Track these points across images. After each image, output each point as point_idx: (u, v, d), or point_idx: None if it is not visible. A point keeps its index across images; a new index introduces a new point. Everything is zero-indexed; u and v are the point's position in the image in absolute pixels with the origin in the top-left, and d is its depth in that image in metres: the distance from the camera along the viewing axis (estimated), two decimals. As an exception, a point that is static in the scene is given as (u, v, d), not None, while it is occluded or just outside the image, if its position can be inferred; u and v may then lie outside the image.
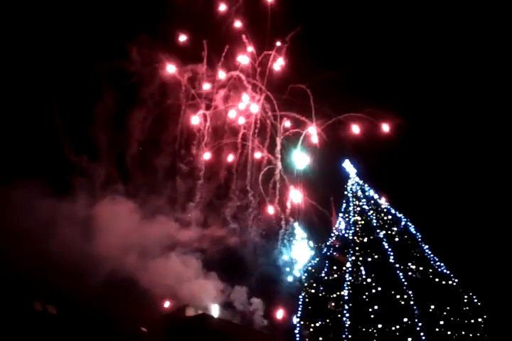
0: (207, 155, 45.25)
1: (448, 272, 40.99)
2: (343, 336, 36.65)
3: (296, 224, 48.51)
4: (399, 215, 45.41)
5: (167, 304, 34.17)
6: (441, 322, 36.89)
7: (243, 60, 46.63)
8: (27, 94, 35.83)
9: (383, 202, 47.10)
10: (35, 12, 36.98)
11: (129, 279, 33.90)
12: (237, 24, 46.37)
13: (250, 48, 46.95)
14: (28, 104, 35.71)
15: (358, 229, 44.38)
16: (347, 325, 36.83)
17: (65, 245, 31.84)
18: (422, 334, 35.42)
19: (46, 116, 36.46)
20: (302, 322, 40.12)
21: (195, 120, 45.12)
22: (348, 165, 50.55)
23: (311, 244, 47.37)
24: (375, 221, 44.21)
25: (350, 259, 41.30)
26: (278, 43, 47.15)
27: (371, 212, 45.42)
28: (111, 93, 40.21)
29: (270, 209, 48.68)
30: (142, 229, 36.34)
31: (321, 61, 47.17)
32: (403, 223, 44.65)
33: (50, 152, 35.74)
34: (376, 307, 37.15)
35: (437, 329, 36.46)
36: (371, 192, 47.96)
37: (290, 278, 45.97)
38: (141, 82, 43.31)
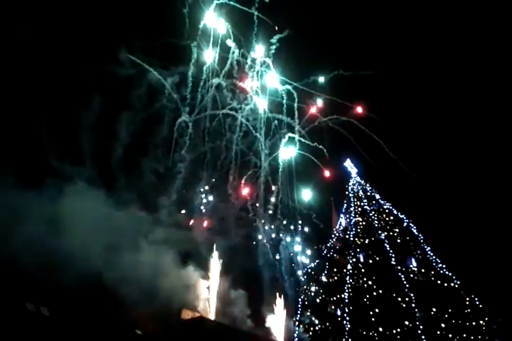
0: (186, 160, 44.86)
1: (450, 274, 40.55)
2: (344, 340, 36.26)
3: None
4: (401, 216, 45.02)
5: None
6: (443, 325, 36.59)
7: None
8: (12, 96, 35.64)
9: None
10: (24, 17, 36.90)
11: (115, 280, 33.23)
12: (225, 28, 46.02)
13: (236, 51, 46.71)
14: (14, 107, 35.50)
15: (359, 230, 44.07)
16: (347, 329, 36.46)
17: (48, 243, 31.14)
18: (423, 337, 35.21)
19: (31, 119, 36.20)
20: (301, 326, 39.81)
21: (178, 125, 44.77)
22: (349, 165, 50.08)
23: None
24: (376, 222, 43.93)
25: (350, 261, 41.01)
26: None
27: (373, 212, 45.11)
28: (98, 96, 40.06)
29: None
30: (121, 227, 35.70)
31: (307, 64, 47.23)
32: (405, 224, 44.25)
33: (30, 154, 35.38)
34: (377, 310, 36.84)
35: (439, 332, 36.18)
36: (373, 192, 47.80)
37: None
38: (129, 86, 42.90)
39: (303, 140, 46.20)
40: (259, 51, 45.61)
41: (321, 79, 46.90)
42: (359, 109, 45.72)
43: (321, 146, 46.32)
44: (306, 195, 46.18)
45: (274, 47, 45.28)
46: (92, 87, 39.62)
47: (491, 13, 49.42)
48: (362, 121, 46.51)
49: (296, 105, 46.68)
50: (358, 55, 50.29)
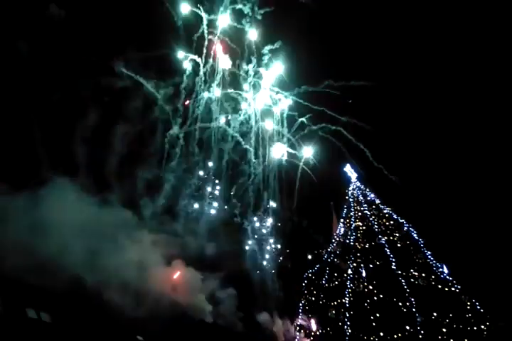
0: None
1: (450, 278, 40.50)
2: (344, 344, 36.21)
3: None
4: (401, 220, 45.04)
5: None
6: (444, 330, 36.48)
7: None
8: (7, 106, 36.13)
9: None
10: (20, 24, 37.48)
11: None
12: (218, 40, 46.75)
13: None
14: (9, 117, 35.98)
15: (359, 234, 44.07)
16: (348, 334, 36.37)
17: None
18: (424, 342, 35.11)
19: (26, 129, 36.63)
20: (302, 331, 39.72)
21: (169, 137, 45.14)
22: (349, 170, 50.22)
23: None
24: (376, 226, 43.93)
25: (351, 266, 40.96)
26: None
27: (373, 217, 45.12)
28: (94, 107, 40.56)
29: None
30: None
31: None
32: (405, 228, 44.26)
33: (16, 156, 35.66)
34: (378, 314, 36.76)
35: (440, 337, 36.07)
36: (373, 197, 47.88)
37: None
38: (123, 97, 43.31)
39: (290, 150, 47.10)
40: (251, 62, 46.55)
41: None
42: None
43: (309, 155, 47.18)
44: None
45: (266, 57, 46.20)
46: (85, 97, 40.12)
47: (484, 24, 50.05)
48: (353, 130, 47.25)
49: (285, 114, 47.61)
50: (349, 65, 50.92)
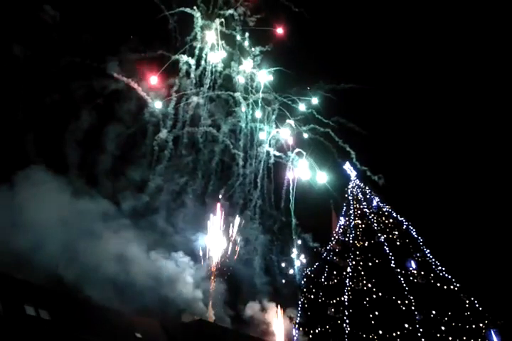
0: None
1: (449, 277, 40.49)
2: (343, 342, 36.18)
3: None
4: (400, 219, 45.03)
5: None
6: (443, 328, 36.47)
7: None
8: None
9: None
10: (14, 26, 37.53)
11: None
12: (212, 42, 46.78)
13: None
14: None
15: (358, 232, 44.05)
16: (347, 331, 36.31)
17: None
18: (423, 340, 34.96)
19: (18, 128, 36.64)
20: (301, 329, 39.68)
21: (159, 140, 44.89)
22: (348, 168, 50.24)
23: None
24: (376, 224, 43.90)
25: (350, 264, 40.91)
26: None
27: (372, 215, 45.10)
28: (87, 109, 40.53)
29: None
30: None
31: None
32: (404, 227, 44.25)
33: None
34: (377, 312, 36.71)
35: (438, 335, 36.05)
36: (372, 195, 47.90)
37: None
38: (117, 98, 43.23)
39: (277, 153, 47.41)
40: (245, 65, 46.83)
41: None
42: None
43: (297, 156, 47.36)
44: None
45: (258, 58, 46.52)
46: (76, 98, 40.14)
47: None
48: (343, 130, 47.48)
49: (274, 116, 47.94)
50: (339, 67, 51.46)
